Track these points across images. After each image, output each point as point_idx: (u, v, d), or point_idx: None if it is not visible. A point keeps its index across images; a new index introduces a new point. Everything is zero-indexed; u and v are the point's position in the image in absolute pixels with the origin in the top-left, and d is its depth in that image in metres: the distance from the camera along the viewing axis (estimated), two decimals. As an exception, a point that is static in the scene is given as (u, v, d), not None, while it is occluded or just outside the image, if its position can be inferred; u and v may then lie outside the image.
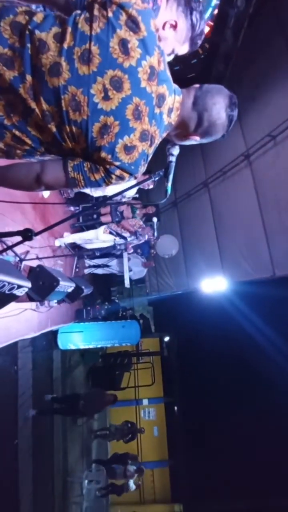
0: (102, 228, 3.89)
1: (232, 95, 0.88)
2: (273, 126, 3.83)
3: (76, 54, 0.73)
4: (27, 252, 2.57)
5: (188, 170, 5.57)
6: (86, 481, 5.38)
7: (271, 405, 7.63)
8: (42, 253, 3.02)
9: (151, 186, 3.86)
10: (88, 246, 4.05)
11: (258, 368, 8.13)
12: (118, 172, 0.81)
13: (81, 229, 4.04)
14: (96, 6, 0.74)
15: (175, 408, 8.33)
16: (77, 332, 4.75)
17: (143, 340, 7.45)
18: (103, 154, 0.79)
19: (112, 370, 6.73)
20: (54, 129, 0.78)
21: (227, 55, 4.36)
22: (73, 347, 4.83)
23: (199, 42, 1.18)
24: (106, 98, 0.76)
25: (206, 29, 3.98)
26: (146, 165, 0.87)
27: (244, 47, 4.21)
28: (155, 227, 3.81)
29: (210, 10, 3.79)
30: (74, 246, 4.05)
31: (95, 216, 3.91)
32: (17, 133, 0.79)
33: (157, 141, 0.88)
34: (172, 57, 1.19)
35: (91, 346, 5.06)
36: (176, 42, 1.14)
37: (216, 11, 3.87)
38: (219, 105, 0.86)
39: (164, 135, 0.90)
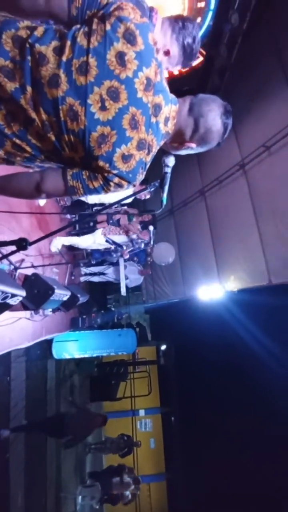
0: (100, 231, 3.87)
1: (226, 104, 0.91)
2: (267, 137, 3.92)
3: (74, 66, 0.75)
4: (22, 260, 2.55)
5: (185, 178, 5.64)
6: (80, 497, 5.19)
7: (270, 414, 7.54)
8: (38, 261, 3.00)
9: (147, 196, 3.88)
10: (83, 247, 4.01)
11: (256, 376, 8.06)
12: (116, 180, 0.83)
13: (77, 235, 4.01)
14: (95, 20, 0.77)
15: (172, 418, 8.17)
16: (72, 341, 4.67)
17: (140, 349, 7.35)
18: (101, 163, 0.80)
19: (108, 379, 6.61)
20: (53, 138, 0.79)
21: (222, 69, 4.49)
22: (68, 356, 4.74)
23: (192, 63, 1.23)
24: (103, 108, 0.77)
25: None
26: (144, 173, 0.88)
27: (238, 62, 4.35)
28: (151, 235, 3.82)
29: (205, 27, 3.91)
30: (69, 249, 4.01)
31: (91, 224, 3.91)
32: (17, 141, 0.80)
33: (155, 149, 0.89)
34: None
35: (86, 355, 4.97)
36: (169, 65, 1.20)
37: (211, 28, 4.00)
38: (214, 112, 0.88)
39: (162, 143, 0.92)
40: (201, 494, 7.53)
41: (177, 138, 0.93)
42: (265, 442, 7.58)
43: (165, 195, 0.98)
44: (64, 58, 0.75)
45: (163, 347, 8.67)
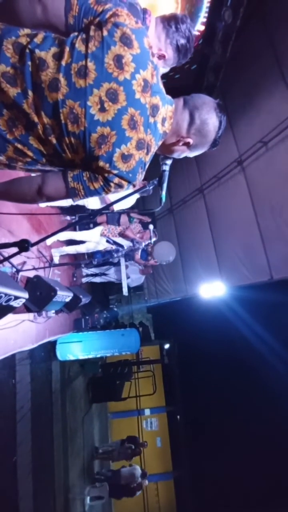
0: (99, 229, 3.86)
1: (218, 101, 0.94)
2: (264, 133, 3.92)
3: (73, 70, 0.77)
4: (24, 262, 2.56)
5: (183, 176, 5.65)
6: (88, 498, 5.22)
7: (275, 411, 7.54)
8: (39, 264, 3.01)
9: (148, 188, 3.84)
10: (81, 249, 3.99)
11: (261, 373, 8.07)
12: (116, 180, 0.84)
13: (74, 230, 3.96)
14: (92, 27, 0.79)
15: (178, 417, 8.18)
16: (76, 342, 4.68)
17: (143, 348, 7.39)
18: (101, 163, 0.81)
19: (113, 380, 6.63)
20: (54, 141, 0.81)
21: (217, 66, 4.49)
22: (72, 357, 4.75)
23: (187, 59, 1.27)
24: (102, 109, 0.79)
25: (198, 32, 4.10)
26: (144, 172, 0.89)
27: (233, 58, 4.35)
28: (151, 234, 3.83)
29: (198, 23, 3.91)
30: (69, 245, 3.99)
31: (91, 225, 3.92)
32: (19, 146, 0.82)
33: (153, 149, 0.91)
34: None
35: (90, 356, 4.99)
36: (165, 65, 1.26)
37: (204, 25, 3.99)
38: (208, 105, 0.91)
39: (160, 143, 0.94)
40: (209, 492, 7.54)
41: (175, 135, 0.94)
42: (271, 438, 7.58)
43: (163, 193, 1.00)
44: (63, 63, 0.76)
45: (167, 346, 8.68)
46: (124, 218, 3.95)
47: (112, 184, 0.84)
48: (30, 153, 0.83)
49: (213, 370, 8.45)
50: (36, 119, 0.78)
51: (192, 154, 0.99)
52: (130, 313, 8.51)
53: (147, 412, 7.93)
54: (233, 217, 4.68)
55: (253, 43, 4.19)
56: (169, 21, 1.18)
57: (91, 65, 0.77)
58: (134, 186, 0.88)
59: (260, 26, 4.07)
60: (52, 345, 4.48)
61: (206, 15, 3.81)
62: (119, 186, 0.85)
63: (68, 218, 4.09)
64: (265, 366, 7.86)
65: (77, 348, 4.69)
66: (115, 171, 0.82)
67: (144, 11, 1.12)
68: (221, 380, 8.33)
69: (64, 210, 3.93)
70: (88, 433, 6.12)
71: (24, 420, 3.33)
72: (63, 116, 0.77)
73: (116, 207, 3.51)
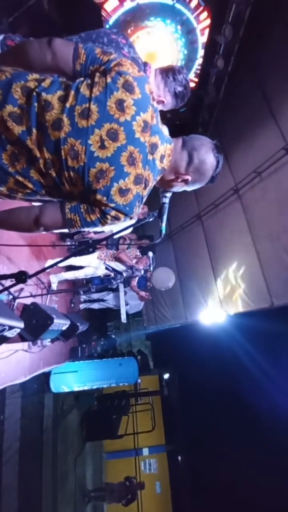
0: (96, 254, 3.86)
1: (215, 142, 0.99)
2: (257, 164, 4.12)
3: (77, 111, 0.82)
4: (21, 290, 2.52)
5: (181, 203, 5.81)
6: None
7: (284, 448, 6.95)
8: (37, 290, 2.96)
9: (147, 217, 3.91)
10: (80, 274, 3.94)
11: (270, 405, 7.55)
12: (113, 213, 0.86)
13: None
14: (97, 74, 0.85)
15: (179, 457, 7.52)
16: (71, 372, 4.45)
17: (142, 378, 7.00)
18: (98, 197, 0.84)
19: (109, 414, 6.20)
20: (54, 175, 0.84)
21: (211, 106, 4.86)
22: (66, 389, 4.48)
23: (184, 103, 1.41)
24: (102, 147, 0.83)
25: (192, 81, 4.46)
26: (141, 206, 0.92)
27: (226, 99, 4.71)
28: (150, 261, 3.83)
29: (194, 69, 4.29)
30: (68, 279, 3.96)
31: (90, 250, 3.92)
32: (20, 178, 0.85)
33: (151, 184, 0.94)
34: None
35: (86, 388, 4.71)
36: (163, 109, 1.38)
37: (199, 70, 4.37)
38: (206, 147, 0.96)
39: (158, 178, 0.98)
40: None
41: (173, 171, 0.98)
42: (284, 483, 6.90)
43: (164, 225, 1.01)
44: (67, 105, 0.82)
45: (166, 375, 8.27)
46: (122, 242, 3.97)
47: (108, 217, 0.87)
48: (30, 185, 0.86)
49: (217, 403, 7.91)
50: (38, 154, 0.82)
51: (190, 188, 1.04)
52: (129, 340, 8.23)
53: (145, 451, 7.29)
54: (231, 242, 4.73)
55: (244, 85, 4.57)
56: (167, 73, 1.33)
57: (94, 107, 0.82)
58: (131, 218, 0.91)
59: (250, 70, 4.48)
60: (46, 376, 4.25)
61: (201, 62, 4.19)
62: (116, 218, 0.88)
63: (68, 243, 4.10)
64: (273, 398, 7.41)
65: (72, 379, 4.44)
66: (112, 204, 0.85)
67: (145, 64, 1.28)
68: (226, 415, 7.75)
69: (64, 236, 3.95)
70: (81, 476, 5.58)
71: (11, 462, 3.05)
72: (64, 152, 0.81)
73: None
